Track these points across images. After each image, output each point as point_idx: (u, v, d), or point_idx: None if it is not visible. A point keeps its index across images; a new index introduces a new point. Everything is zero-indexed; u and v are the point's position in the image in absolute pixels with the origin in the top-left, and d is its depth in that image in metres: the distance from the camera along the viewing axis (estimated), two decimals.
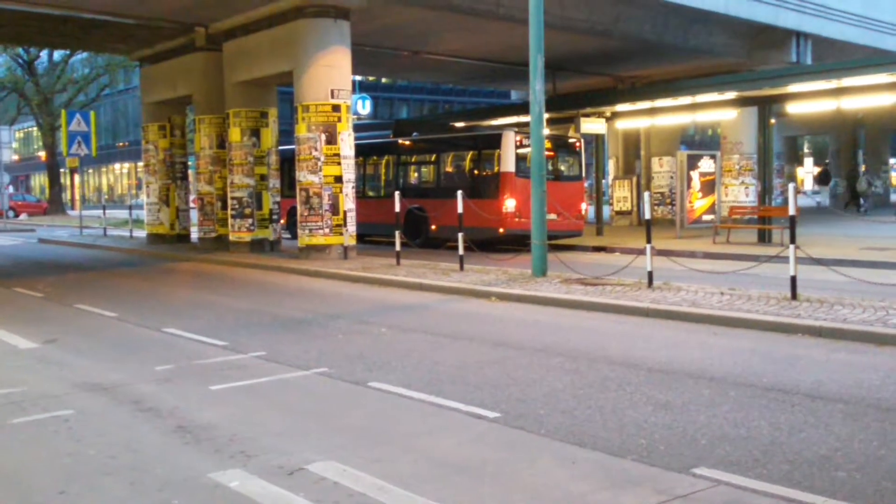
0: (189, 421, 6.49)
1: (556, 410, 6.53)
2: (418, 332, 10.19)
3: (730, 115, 24.97)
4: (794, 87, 20.72)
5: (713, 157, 23.91)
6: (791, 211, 11.36)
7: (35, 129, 63.27)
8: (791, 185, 11.71)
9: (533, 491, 4.90)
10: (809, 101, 21.52)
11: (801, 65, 26.83)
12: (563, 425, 6.13)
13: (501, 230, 20.35)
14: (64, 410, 6.84)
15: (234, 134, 21.07)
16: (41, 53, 51.10)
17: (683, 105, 23.37)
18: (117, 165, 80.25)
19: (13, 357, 9.18)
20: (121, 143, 75.55)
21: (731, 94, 21.71)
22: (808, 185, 66.95)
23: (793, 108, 23.37)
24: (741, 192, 26.94)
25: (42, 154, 58.21)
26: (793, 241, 11.13)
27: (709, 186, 23.27)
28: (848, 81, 19.53)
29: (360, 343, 9.51)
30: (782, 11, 26.02)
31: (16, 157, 52.68)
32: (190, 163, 27.24)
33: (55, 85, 51.00)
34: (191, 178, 27.13)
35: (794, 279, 11.02)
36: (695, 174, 22.92)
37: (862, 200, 36.96)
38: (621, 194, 30.21)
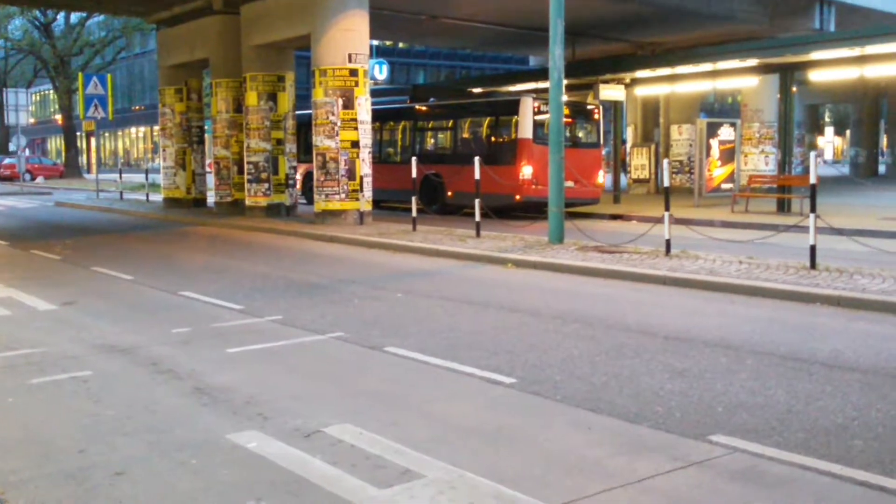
0: (206, 383, 6.52)
1: (573, 377, 6.52)
2: (434, 297, 10.19)
3: (751, 82, 24.70)
4: (816, 55, 20.47)
5: (733, 125, 23.70)
6: (812, 180, 11.26)
7: (51, 91, 63.35)
8: (812, 154, 11.59)
9: (548, 456, 4.91)
10: (832, 68, 21.26)
11: (824, 32, 26.46)
12: (579, 391, 6.12)
13: (518, 197, 20.28)
14: (83, 371, 6.89)
15: (251, 98, 21.02)
16: (58, 16, 51.05)
17: (704, 72, 23.13)
18: (133, 129, 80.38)
19: (32, 319, 9.24)
20: (137, 107, 75.63)
21: (752, 62, 21.47)
22: (829, 154, 66.38)
23: (815, 76, 23.09)
24: (761, 161, 26.70)
25: (58, 117, 58.35)
26: (813, 210, 11.04)
27: (728, 155, 23.08)
28: (871, 49, 19.27)
29: (375, 308, 9.52)
30: None
31: (32, 121, 52.81)
32: (206, 127, 27.24)
33: (72, 48, 50.97)
34: (207, 143, 27.14)
35: (813, 248, 10.94)
36: (714, 142, 22.73)
37: None
38: (639, 162, 30.02)
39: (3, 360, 7.36)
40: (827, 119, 75.91)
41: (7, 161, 49.89)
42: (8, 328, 8.68)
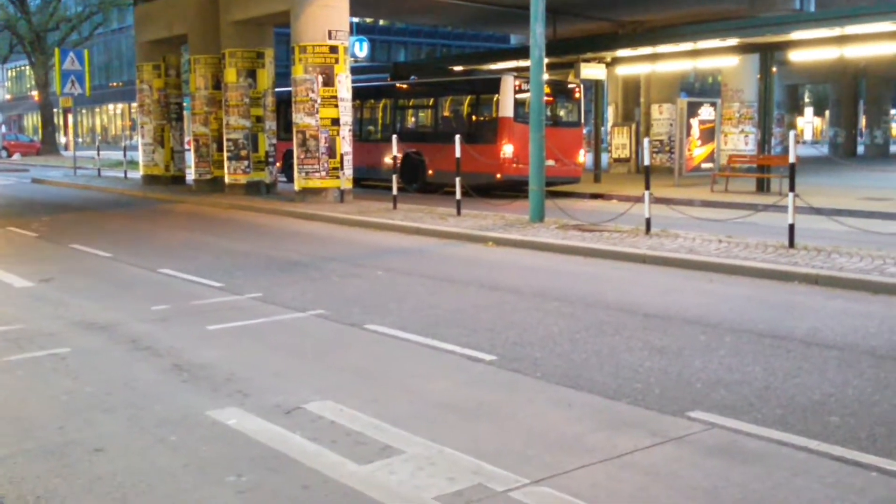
0: (186, 360, 6.50)
1: (553, 354, 6.55)
2: (415, 275, 10.18)
3: (731, 62, 24.73)
4: (796, 35, 20.51)
5: (713, 104, 23.75)
6: (791, 159, 11.31)
7: (28, 67, 62.64)
8: (791, 134, 11.64)
9: (529, 432, 4.93)
10: (812, 48, 21.31)
11: (804, 12, 26.51)
12: (559, 368, 6.15)
13: (499, 176, 20.27)
14: (61, 348, 6.85)
15: (230, 75, 20.84)
16: None
17: (684, 51, 23.15)
18: (111, 106, 79.63)
19: (9, 295, 9.17)
20: (114, 84, 74.89)
21: (732, 41, 21.50)
22: (808, 135, 66.70)
23: (795, 56, 23.16)
24: (741, 141, 26.79)
25: (35, 93, 57.69)
26: (792, 189, 11.10)
27: (708, 134, 23.15)
28: (851, 29, 19.33)
29: (356, 286, 9.51)
30: None
31: (8, 97, 52.25)
32: (185, 103, 27.01)
33: (48, 23, 50.35)
34: (186, 119, 26.92)
35: (791, 227, 11.00)
36: (694, 122, 22.78)
37: None
38: (620, 141, 30.05)
39: None
40: (807, 99, 76.26)
41: None
42: None
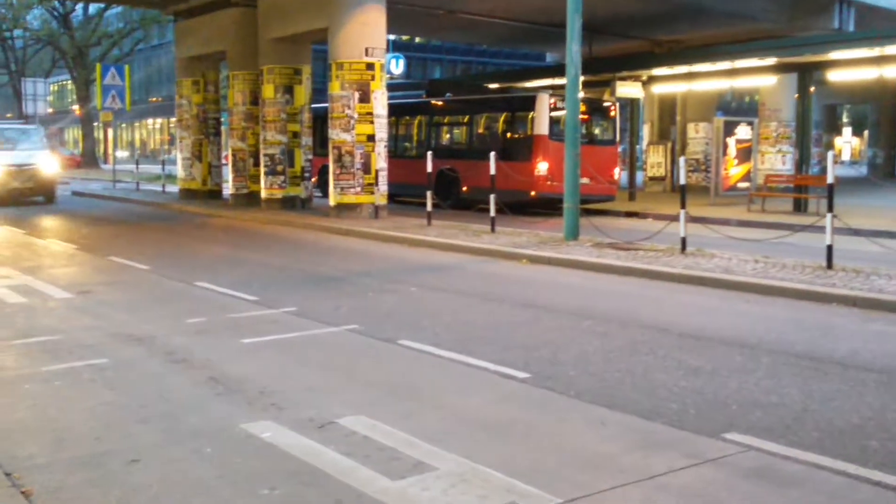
0: (221, 373, 6.54)
1: (586, 372, 6.52)
2: (449, 292, 10.19)
3: (769, 81, 24.57)
4: (835, 54, 20.35)
5: (750, 123, 23.59)
6: (829, 179, 11.20)
7: (69, 82, 63.62)
8: (830, 154, 11.53)
9: (562, 450, 4.91)
10: (850, 68, 21.13)
11: (843, 31, 26.29)
12: (593, 387, 6.12)
13: (533, 193, 20.24)
14: (99, 359, 6.93)
15: (268, 91, 21.05)
16: (77, 6, 51.24)
17: (722, 70, 23.02)
18: (150, 120, 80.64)
19: (48, 306, 9.30)
20: (154, 98, 75.86)
21: (771, 60, 21.36)
22: (847, 155, 65.97)
23: (834, 76, 22.95)
24: (778, 161, 26.58)
25: (76, 107, 58.57)
26: (830, 209, 10.98)
27: (745, 154, 22.98)
28: (891, 49, 19.14)
29: (390, 301, 9.53)
30: None
31: (50, 111, 53.06)
32: (223, 119, 27.30)
33: (90, 38, 51.16)
34: (223, 134, 27.20)
35: (829, 248, 10.88)
36: (731, 141, 22.62)
37: None
38: (655, 160, 29.92)
39: (20, 346, 7.41)
40: (845, 119, 75.45)
41: None
42: (25, 315, 8.74)
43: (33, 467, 4.65)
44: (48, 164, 24.39)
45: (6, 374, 6.58)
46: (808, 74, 21.18)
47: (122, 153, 76.46)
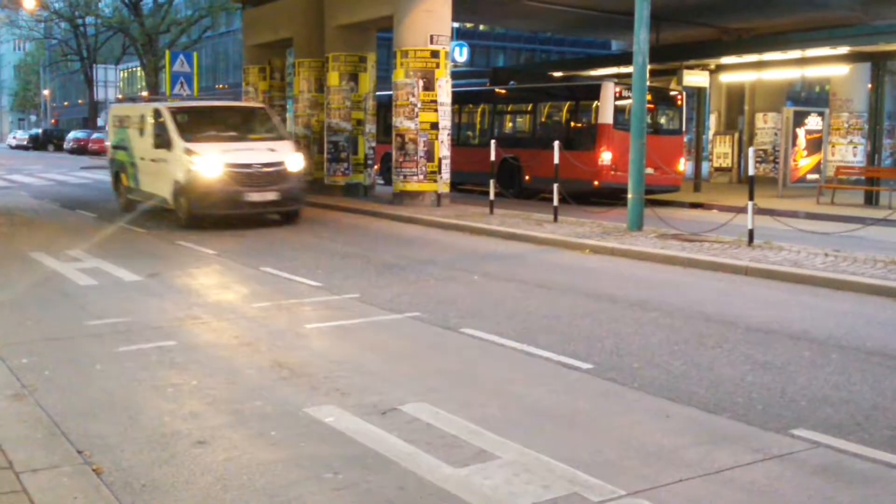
0: (285, 357, 6.63)
1: (651, 364, 6.45)
2: (511, 281, 10.16)
3: (841, 71, 23.98)
4: None
5: (821, 114, 23.06)
6: None
7: (139, 69, 64.78)
8: None
9: (625, 442, 4.87)
10: None
11: None
12: (657, 379, 6.06)
13: (596, 183, 20.06)
14: (167, 342, 7.06)
15: (333, 78, 21.18)
16: None
17: (791, 59, 22.53)
18: None
19: (118, 289, 9.51)
20: (220, 86, 76.89)
21: (843, 49, 20.84)
22: None
23: None
24: (849, 152, 25.95)
25: (145, 94, 59.66)
26: None
27: (815, 145, 22.47)
28: None
29: (452, 289, 9.54)
30: None
31: (120, 96, 54.12)
32: (288, 106, 27.55)
33: (159, 26, 51.96)
34: (288, 121, 27.46)
35: None
36: (800, 132, 22.13)
37: None
38: (721, 150, 29.43)
39: (92, 328, 7.59)
40: None
41: (96, 136, 51.30)
42: (96, 297, 8.95)
43: (104, 446, 4.77)
44: (295, 162, 15.41)
45: (79, 354, 6.74)
46: (881, 64, 20.61)
47: None
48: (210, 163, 14.51)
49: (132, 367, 6.36)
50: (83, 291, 9.28)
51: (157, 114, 16.06)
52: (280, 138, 16.39)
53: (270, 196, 14.98)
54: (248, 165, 14.76)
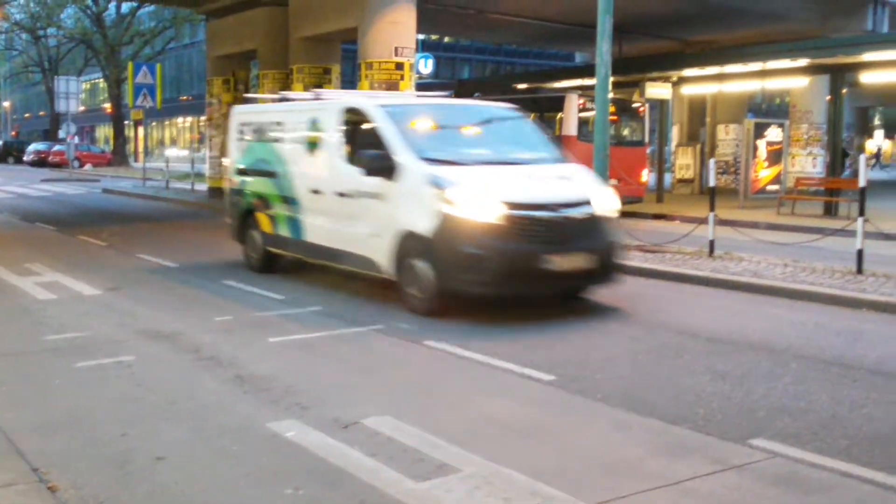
0: (247, 371, 6.58)
1: (613, 376, 6.49)
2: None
3: (800, 83, 24.31)
4: (869, 56, 20.07)
5: (781, 125, 23.35)
6: (861, 183, 11.06)
7: (101, 80, 64.24)
8: (862, 157, 11.39)
9: (588, 453, 4.89)
10: (884, 70, 20.84)
11: (876, 33, 26.00)
12: (620, 391, 6.09)
13: None
14: (126, 356, 6.99)
15: (298, 89, 21.10)
16: (109, 5, 51.76)
17: (752, 71, 22.79)
18: (180, 119, 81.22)
19: (77, 303, 9.39)
20: (184, 97, 76.40)
21: (802, 62, 21.12)
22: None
23: (866, 78, 22.66)
24: (808, 163, 26.30)
25: (107, 105, 59.15)
26: (861, 213, 10.85)
27: (775, 156, 22.73)
28: None
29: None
30: None
31: (82, 108, 53.58)
32: None
33: (122, 37, 51.63)
34: None
35: (860, 253, 10.75)
36: (761, 143, 22.38)
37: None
38: (684, 162, 29.70)
39: (50, 343, 7.49)
40: (877, 122, 74.59)
41: (57, 148, 50.73)
42: (55, 312, 8.83)
43: (61, 463, 4.70)
44: (606, 201, 9.46)
45: (37, 370, 6.65)
46: (840, 76, 20.92)
47: (174, 152, 77.06)
48: (478, 201, 8.41)
49: (91, 383, 6.28)
50: (42, 306, 9.16)
51: (359, 116, 9.93)
52: (562, 159, 10.16)
53: (580, 262, 8.76)
54: (543, 206, 8.59)
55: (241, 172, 11.91)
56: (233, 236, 12.22)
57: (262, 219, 11.29)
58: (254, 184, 11.55)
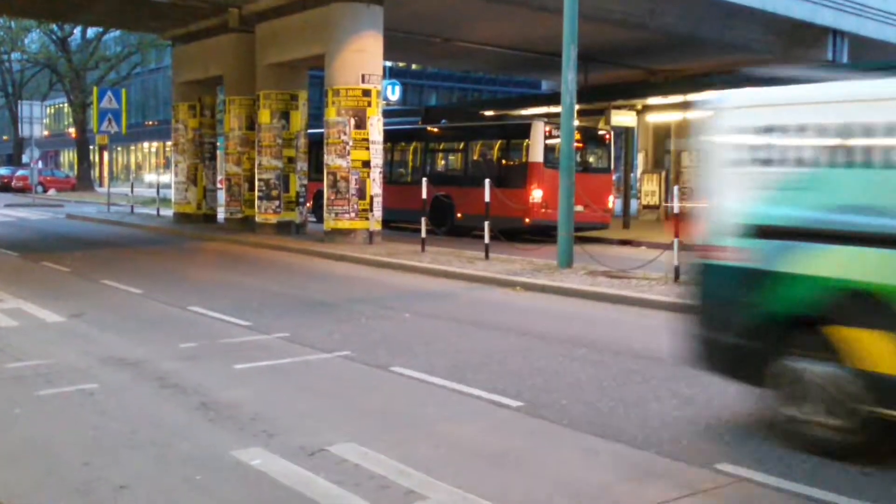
0: (212, 399, 6.51)
1: (580, 401, 6.50)
2: (442, 319, 10.18)
3: None
4: None
5: None
6: None
7: (66, 105, 63.77)
8: None
9: (555, 480, 4.89)
10: None
11: (836, 63, 26.48)
12: (586, 416, 6.10)
13: (527, 220, 20.28)
14: (89, 384, 6.89)
15: (264, 116, 21.11)
16: (74, 30, 51.43)
17: None
18: (146, 144, 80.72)
19: (40, 330, 9.26)
20: (150, 122, 75.99)
21: None
22: None
23: None
24: None
25: (72, 130, 58.66)
26: None
27: None
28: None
29: (383, 328, 9.51)
30: (819, 9, 25.68)
31: (46, 133, 53.07)
32: (219, 143, 27.36)
33: (87, 62, 51.31)
34: (219, 159, 27.24)
35: None
36: None
37: None
38: (649, 188, 29.98)
39: (11, 371, 7.38)
40: None
41: (20, 173, 50.16)
42: (16, 339, 8.70)
43: (22, 493, 4.62)
44: None
45: None
46: None
47: (119, 176, 76.47)
48: None
49: (53, 411, 6.19)
50: (3, 333, 9.01)
51: None
52: None
53: None
54: None
55: (765, 233, 5.73)
56: (717, 363, 6.14)
57: (866, 341, 5.10)
58: (823, 259, 5.37)
